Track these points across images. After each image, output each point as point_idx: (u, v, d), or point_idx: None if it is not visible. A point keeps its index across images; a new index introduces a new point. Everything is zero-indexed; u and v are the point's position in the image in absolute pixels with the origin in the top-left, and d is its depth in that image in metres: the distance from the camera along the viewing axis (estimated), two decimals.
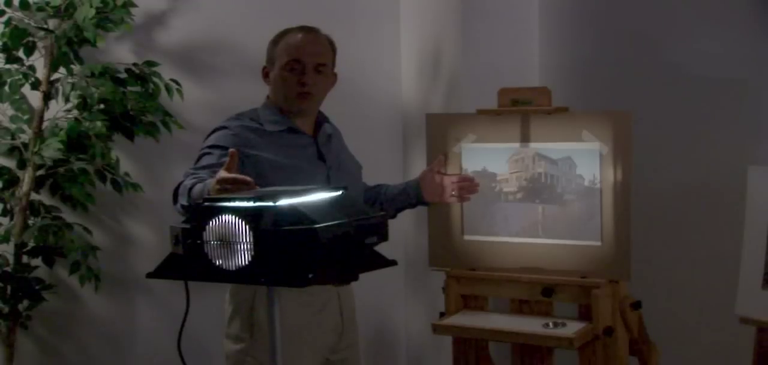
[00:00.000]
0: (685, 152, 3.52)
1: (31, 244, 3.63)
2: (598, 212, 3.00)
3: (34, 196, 3.65)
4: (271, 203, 1.98)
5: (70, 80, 3.57)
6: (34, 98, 3.63)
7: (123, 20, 3.60)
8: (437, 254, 3.27)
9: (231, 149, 2.41)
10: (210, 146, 2.79)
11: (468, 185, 3.16)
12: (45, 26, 3.53)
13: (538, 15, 3.93)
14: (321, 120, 2.96)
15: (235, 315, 2.82)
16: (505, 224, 3.16)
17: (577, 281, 3.02)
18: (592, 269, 3.01)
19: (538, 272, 3.09)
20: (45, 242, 3.61)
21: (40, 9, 3.54)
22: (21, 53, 3.55)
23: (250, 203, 1.97)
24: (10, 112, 3.65)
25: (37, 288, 3.66)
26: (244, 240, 1.95)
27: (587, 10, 3.82)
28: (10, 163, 3.67)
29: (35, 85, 3.58)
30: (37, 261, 3.69)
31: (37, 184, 3.64)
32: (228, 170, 2.33)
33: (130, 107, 3.62)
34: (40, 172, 3.63)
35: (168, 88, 3.67)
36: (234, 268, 1.97)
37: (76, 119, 3.59)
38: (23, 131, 3.65)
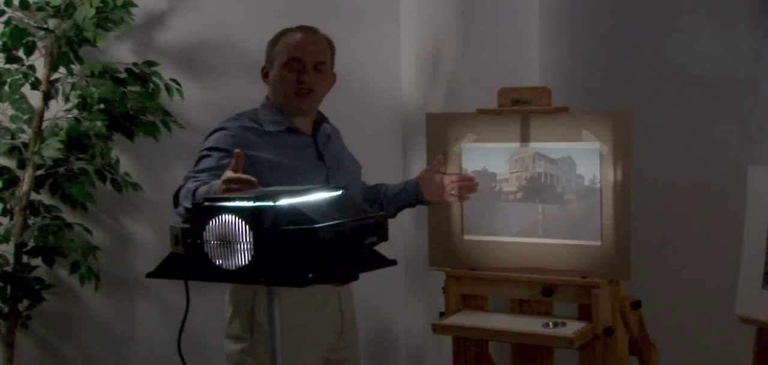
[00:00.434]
0: (685, 152, 3.52)
1: (31, 244, 3.63)
2: (598, 212, 3.00)
3: (34, 196, 3.65)
4: (271, 203, 1.98)
5: (70, 80, 3.57)
6: (34, 97, 3.63)
7: (123, 20, 3.60)
8: (437, 254, 3.27)
9: (237, 150, 2.42)
10: (209, 148, 2.78)
11: (467, 185, 3.16)
12: (45, 26, 3.52)
13: (538, 15, 3.93)
14: (320, 120, 2.97)
15: (236, 314, 2.82)
16: (505, 224, 3.16)
17: (577, 281, 3.02)
18: (592, 269, 3.01)
19: (538, 272, 3.09)
20: (45, 242, 3.61)
21: (40, 9, 3.54)
22: (21, 53, 3.55)
23: (250, 203, 1.97)
24: (10, 112, 3.65)
25: (37, 288, 3.66)
26: (244, 240, 1.95)
27: (587, 10, 3.82)
28: (10, 163, 3.67)
29: (35, 85, 3.58)
30: (37, 261, 3.69)
31: (37, 184, 3.64)
32: (234, 170, 2.33)
33: (130, 106, 3.62)
34: (40, 172, 3.63)
35: (168, 88, 3.67)
36: (234, 268, 1.97)
37: (76, 118, 3.59)
38: (23, 131, 3.65)
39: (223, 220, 1.97)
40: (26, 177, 3.60)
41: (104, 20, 3.56)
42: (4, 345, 3.63)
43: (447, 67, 3.85)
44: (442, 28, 3.88)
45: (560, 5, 3.88)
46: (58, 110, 3.64)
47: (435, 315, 3.26)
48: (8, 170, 3.65)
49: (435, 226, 3.26)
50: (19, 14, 3.53)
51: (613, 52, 3.72)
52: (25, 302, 3.66)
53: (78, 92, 3.56)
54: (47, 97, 3.61)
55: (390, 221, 2.26)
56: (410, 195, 3.13)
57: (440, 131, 3.23)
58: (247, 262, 1.96)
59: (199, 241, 1.99)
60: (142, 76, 3.64)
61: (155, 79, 3.65)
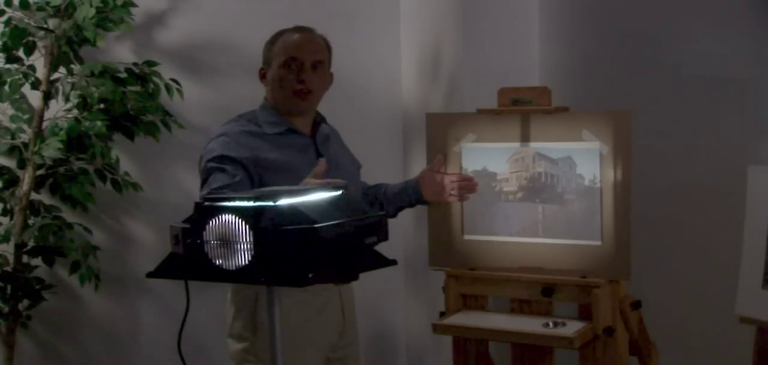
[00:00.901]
0: (685, 152, 3.52)
1: (31, 244, 3.63)
2: (598, 211, 3.00)
3: (34, 196, 3.65)
4: (271, 203, 1.98)
5: (70, 80, 3.57)
6: (34, 97, 3.63)
7: (123, 20, 3.60)
8: (437, 253, 3.27)
9: (321, 158, 2.50)
10: (217, 159, 2.75)
11: (467, 185, 3.16)
12: (45, 26, 3.53)
13: (538, 15, 3.93)
14: (318, 121, 2.97)
15: (238, 314, 2.82)
16: (505, 223, 3.16)
17: (577, 280, 3.02)
18: (592, 268, 3.01)
19: (538, 272, 3.09)
20: (45, 242, 3.61)
21: (40, 8, 3.54)
22: (21, 53, 3.55)
23: (250, 203, 1.97)
24: (10, 111, 3.66)
25: (37, 288, 3.66)
26: (244, 240, 1.95)
27: (587, 10, 3.82)
28: (10, 163, 3.67)
29: (35, 85, 3.58)
30: (37, 261, 3.69)
31: (37, 184, 3.64)
32: (317, 176, 2.37)
33: (130, 106, 3.62)
34: (40, 172, 3.63)
35: (168, 88, 3.67)
36: (234, 268, 1.97)
37: (76, 118, 3.59)
38: (23, 131, 3.65)
39: (223, 220, 1.97)
40: (26, 177, 3.60)
41: (104, 20, 3.56)
42: (4, 344, 3.63)
43: (447, 67, 3.85)
44: (442, 28, 3.88)
45: (560, 5, 3.88)
46: (58, 110, 3.64)
47: (435, 315, 3.26)
48: (8, 170, 3.65)
49: (435, 226, 3.26)
50: (19, 14, 3.53)
51: (613, 52, 3.72)
52: (25, 302, 3.66)
53: (78, 92, 3.56)
54: (47, 97, 3.61)
55: (390, 221, 2.26)
56: (410, 195, 3.13)
57: (440, 131, 3.23)
58: (247, 262, 1.96)
59: (199, 241, 1.99)
60: (142, 76, 3.64)
61: (155, 79, 3.65)
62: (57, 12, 3.55)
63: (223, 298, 2.89)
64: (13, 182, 3.63)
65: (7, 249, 3.64)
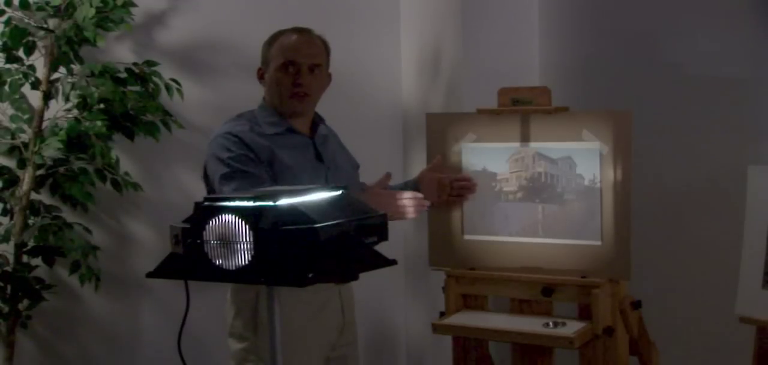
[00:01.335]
0: (685, 151, 3.52)
1: (31, 244, 3.63)
2: (598, 211, 3.00)
3: (34, 196, 3.65)
4: (271, 203, 1.98)
5: (70, 80, 3.57)
6: (34, 97, 3.63)
7: (123, 20, 3.60)
8: (437, 254, 3.27)
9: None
10: (234, 159, 2.74)
11: (466, 185, 3.16)
12: (45, 26, 3.53)
13: (538, 15, 3.93)
14: (317, 121, 2.97)
15: (239, 313, 2.82)
16: (505, 223, 3.16)
17: (577, 280, 3.02)
18: (592, 268, 3.01)
19: (538, 272, 3.09)
20: (45, 241, 3.61)
21: (40, 8, 3.54)
22: (21, 53, 3.55)
23: (250, 203, 1.97)
24: (10, 111, 3.66)
25: (37, 287, 3.66)
26: (244, 240, 1.95)
27: (587, 10, 3.82)
28: (10, 162, 3.67)
29: (35, 85, 3.58)
30: (37, 261, 3.69)
31: (37, 184, 3.64)
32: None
33: (130, 106, 3.62)
34: (40, 172, 3.63)
35: (168, 88, 3.67)
36: (234, 268, 1.97)
37: (76, 118, 3.59)
38: (23, 131, 3.65)
39: (223, 220, 1.97)
40: (26, 177, 3.60)
41: (104, 20, 3.56)
42: (4, 344, 3.63)
43: (447, 67, 3.85)
44: (442, 28, 3.88)
45: (560, 5, 3.88)
46: (58, 110, 3.64)
47: (435, 315, 3.26)
48: (8, 170, 3.65)
49: (435, 226, 3.26)
50: (19, 14, 3.53)
51: (613, 52, 3.72)
52: (25, 302, 3.66)
53: (78, 92, 3.56)
54: (47, 97, 3.61)
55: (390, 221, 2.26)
56: None
57: (440, 131, 3.23)
58: (247, 262, 1.96)
59: (199, 241, 1.99)
60: (142, 76, 3.64)
61: (155, 79, 3.65)
62: (57, 12, 3.55)
63: (223, 298, 2.89)
64: (13, 182, 3.63)
65: (7, 249, 3.64)
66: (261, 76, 2.92)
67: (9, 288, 3.60)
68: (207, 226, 1.98)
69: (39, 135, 3.59)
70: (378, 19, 4.08)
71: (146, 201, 3.85)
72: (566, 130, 3.04)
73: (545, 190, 3.10)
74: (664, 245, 3.57)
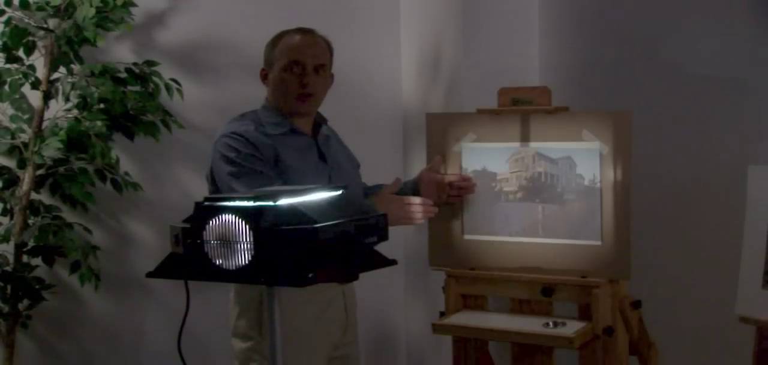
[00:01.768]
0: (685, 151, 3.52)
1: (31, 244, 3.63)
2: (598, 211, 3.00)
3: (34, 196, 3.65)
4: (271, 203, 1.98)
5: (70, 80, 3.57)
6: (34, 97, 3.63)
7: (123, 20, 3.60)
8: (437, 254, 3.27)
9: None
10: (245, 157, 2.74)
11: (466, 185, 3.17)
12: (45, 26, 3.52)
13: (538, 15, 3.93)
14: (319, 121, 2.97)
15: (243, 313, 2.82)
16: (505, 223, 3.16)
17: (577, 280, 3.02)
18: (592, 268, 3.01)
19: (538, 272, 3.09)
20: (45, 241, 3.61)
21: (40, 8, 3.54)
22: (21, 53, 3.55)
23: (250, 203, 1.97)
24: (10, 111, 3.65)
25: (37, 287, 3.66)
26: (244, 240, 1.95)
27: (587, 10, 3.83)
28: (10, 162, 3.67)
29: (35, 85, 3.58)
30: (37, 261, 3.68)
31: (37, 183, 3.64)
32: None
33: (130, 106, 3.62)
34: (40, 171, 3.63)
35: (168, 88, 3.67)
36: (234, 268, 1.97)
37: (76, 118, 3.59)
38: (23, 131, 3.65)
39: (223, 220, 1.97)
40: (26, 177, 3.60)
41: (104, 20, 3.56)
42: (4, 345, 3.63)
43: (447, 67, 3.85)
44: (442, 28, 3.88)
45: (560, 5, 3.88)
46: (58, 110, 3.64)
47: (435, 315, 3.26)
48: (8, 169, 3.65)
49: (435, 226, 3.26)
50: (19, 14, 3.53)
51: (613, 52, 3.72)
52: (25, 302, 3.66)
53: (78, 92, 3.56)
54: (47, 97, 3.61)
55: None
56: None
57: (440, 131, 3.23)
58: (247, 262, 1.96)
59: (199, 241, 1.99)
60: (142, 76, 3.64)
61: (155, 79, 3.65)
62: (57, 12, 3.55)
63: (224, 298, 2.89)
64: (13, 182, 3.63)
65: (7, 249, 3.63)
66: (264, 77, 2.92)
67: (9, 287, 3.59)
68: (207, 226, 1.98)
69: (39, 135, 3.59)
70: (378, 20, 4.08)
71: (146, 201, 3.85)
72: (566, 130, 3.04)
73: (545, 190, 3.10)
74: (664, 245, 3.57)
